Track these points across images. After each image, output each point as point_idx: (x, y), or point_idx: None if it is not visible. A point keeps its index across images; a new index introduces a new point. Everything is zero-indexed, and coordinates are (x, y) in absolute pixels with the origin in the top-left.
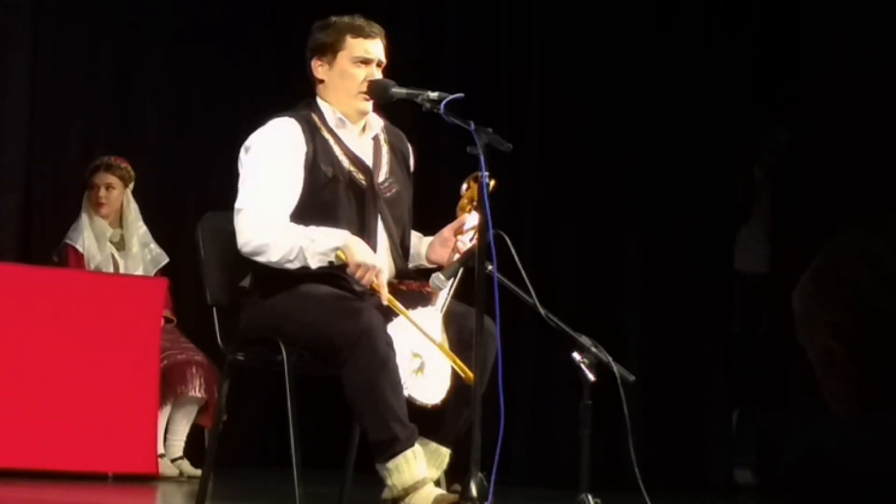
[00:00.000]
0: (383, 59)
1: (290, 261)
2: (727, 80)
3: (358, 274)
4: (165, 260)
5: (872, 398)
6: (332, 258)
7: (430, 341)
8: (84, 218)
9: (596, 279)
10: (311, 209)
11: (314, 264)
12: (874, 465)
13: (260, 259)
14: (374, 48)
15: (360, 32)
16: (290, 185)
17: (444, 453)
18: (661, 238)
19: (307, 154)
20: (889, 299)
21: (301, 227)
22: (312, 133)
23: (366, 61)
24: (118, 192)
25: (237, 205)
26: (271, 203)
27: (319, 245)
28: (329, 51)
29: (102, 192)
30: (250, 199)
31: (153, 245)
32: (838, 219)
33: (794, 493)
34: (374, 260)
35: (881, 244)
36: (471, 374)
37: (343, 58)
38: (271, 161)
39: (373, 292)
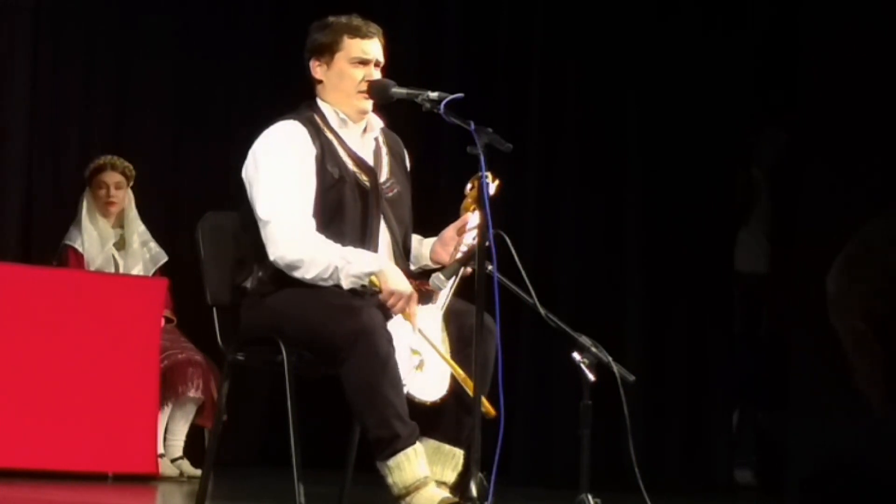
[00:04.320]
0: (381, 60)
1: (325, 279)
2: (727, 80)
3: (390, 302)
4: (164, 258)
5: None
6: (366, 282)
7: (446, 362)
8: (85, 218)
9: (596, 279)
10: (317, 209)
11: (346, 285)
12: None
13: (294, 273)
14: (372, 48)
15: (357, 33)
16: (308, 188)
17: (458, 454)
18: (661, 238)
19: (316, 156)
20: None
21: (336, 246)
22: (318, 134)
23: (364, 62)
24: (124, 191)
25: (263, 215)
26: (298, 212)
27: (354, 268)
28: (327, 51)
29: (112, 190)
30: (277, 208)
31: (152, 244)
32: (838, 219)
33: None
34: (407, 288)
35: None
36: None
37: (341, 58)
38: (286, 166)
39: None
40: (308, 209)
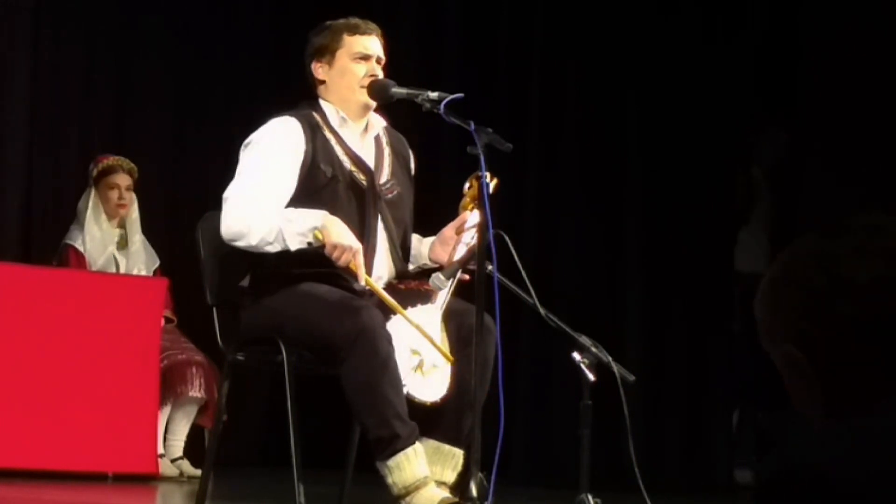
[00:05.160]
0: (382, 56)
1: (270, 243)
2: (727, 80)
3: (335, 255)
4: (157, 262)
5: (837, 403)
6: (311, 238)
7: (410, 324)
8: (89, 219)
9: (596, 279)
10: (311, 208)
11: (293, 245)
12: (853, 472)
13: (240, 244)
14: (372, 44)
15: (356, 30)
16: (283, 183)
17: (458, 454)
18: (662, 238)
19: (307, 153)
20: (847, 304)
21: (280, 210)
22: (313, 132)
23: (365, 57)
24: (132, 193)
25: (224, 194)
26: (258, 194)
27: (297, 225)
28: (327, 51)
29: (124, 193)
30: (238, 189)
31: (147, 245)
32: (838, 219)
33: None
34: (351, 241)
35: (838, 248)
36: (450, 357)
37: (342, 55)
38: (267, 158)
39: (349, 273)
40: (270, 195)
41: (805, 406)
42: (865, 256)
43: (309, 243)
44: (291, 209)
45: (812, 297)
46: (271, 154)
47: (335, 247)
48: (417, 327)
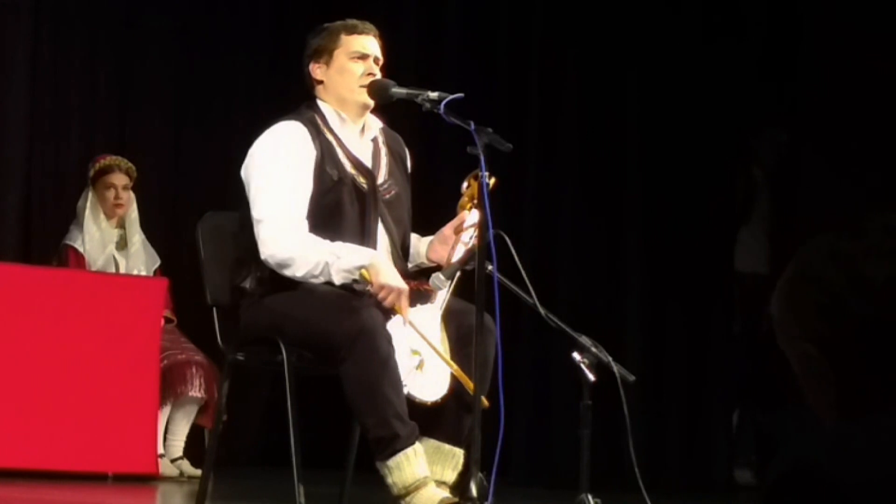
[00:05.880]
0: (380, 56)
1: (315, 276)
2: (727, 80)
3: (381, 295)
4: (158, 262)
5: (852, 403)
6: (356, 276)
7: (450, 367)
8: (88, 218)
9: (596, 279)
10: (315, 212)
11: (338, 280)
12: (863, 473)
13: (285, 272)
14: (370, 44)
15: (353, 30)
16: (304, 190)
17: (459, 454)
18: (662, 238)
19: (316, 158)
20: (864, 303)
21: (326, 242)
22: (318, 135)
23: (363, 56)
24: (129, 192)
25: (257, 214)
26: (292, 212)
27: (345, 262)
28: (325, 52)
29: (121, 192)
30: (270, 208)
31: (147, 245)
32: (838, 219)
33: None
34: (398, 281)
35: (855, 247)
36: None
37: (340, 55)
38: (284, 166)
39: (394, 313)
40: (302, 210)
41: (821, 406)
42: (882, 255)
43: (354, 280)
44: (340, 244)
45: (829, 296)
46: (288, 163)
47: (382, 287)
48: (458, 373)
